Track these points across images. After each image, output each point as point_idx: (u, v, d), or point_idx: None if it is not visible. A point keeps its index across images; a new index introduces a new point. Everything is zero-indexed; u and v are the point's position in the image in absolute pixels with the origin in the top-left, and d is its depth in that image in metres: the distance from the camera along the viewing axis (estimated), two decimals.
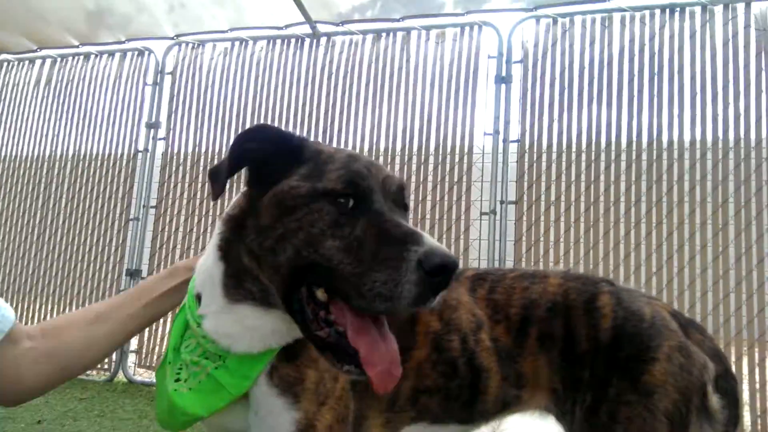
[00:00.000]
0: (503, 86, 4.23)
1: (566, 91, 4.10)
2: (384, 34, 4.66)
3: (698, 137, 3.82)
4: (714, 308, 3.65)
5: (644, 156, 3.90)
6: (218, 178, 1.11)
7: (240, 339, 1.13)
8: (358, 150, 4.49)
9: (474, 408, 1.33)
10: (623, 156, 3.93)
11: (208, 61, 5.01)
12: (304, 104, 4.73)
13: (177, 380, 1.18)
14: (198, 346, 1.17)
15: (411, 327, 1.32)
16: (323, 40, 4.80)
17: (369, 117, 4.57)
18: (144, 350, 4.95)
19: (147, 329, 4.89)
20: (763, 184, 3.66)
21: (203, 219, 4.93)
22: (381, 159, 4.42)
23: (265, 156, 1.10)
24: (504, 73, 4.24)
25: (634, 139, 3.95)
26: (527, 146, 4.12)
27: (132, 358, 5.00)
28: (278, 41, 4.91)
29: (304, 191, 1.02)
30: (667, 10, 3.98)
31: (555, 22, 4.20)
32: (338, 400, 1.15)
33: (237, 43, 5.00)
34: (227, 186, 1.15)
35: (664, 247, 3.80)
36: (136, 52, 5.29)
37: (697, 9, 3.92)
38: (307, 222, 1.00)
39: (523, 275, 1.42)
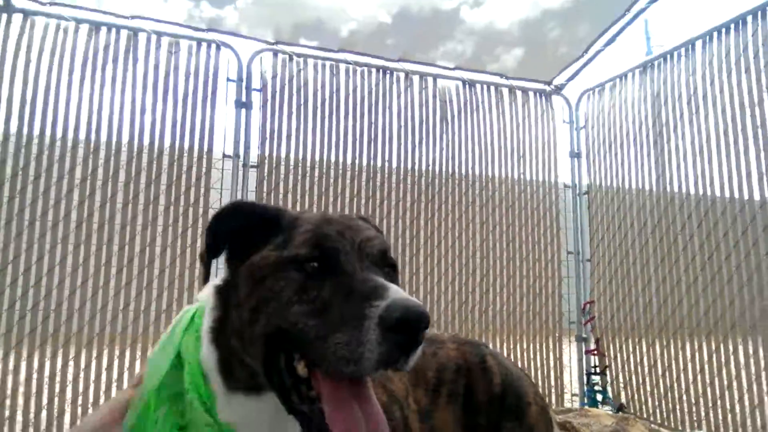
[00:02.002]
0: (243, 111, 4.30)
1: (302, 125, 4.46)
2: (104, 28, 4.11)
3: (402, 176, 4.74)
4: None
5: (363, 188, 4.57)
6: (203, 261, 1.10)
7: None
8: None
9: None
10: (348, 188, 4.52)
11: None
12: None
13: None
14: (175, 418, 1.02)
15: None
16: (17, 17, 3.90)
17: (85, 118, 3.93)
18: None
19: None
20: (448, 213, 4.79)
21: None
22: (100, 170, 3.89)
23: (243, 231, 1.07)
24: (244, 99, 4.31)
25: (356, 173, 4.58)
26: (266, 172, 4.29)
27: None
28: None
29: (272, 260, 1.00)
30: (381, 70, 4.79)
31: (291, 59, 4.52)
32: None
33: None
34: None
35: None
36: None
37: (402, 75, 4.86)
38: (275, 290, 0.97)
39: (426, 340, 1.64)
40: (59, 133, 3.89)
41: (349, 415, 0.92)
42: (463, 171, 4.98)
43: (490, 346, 4.83)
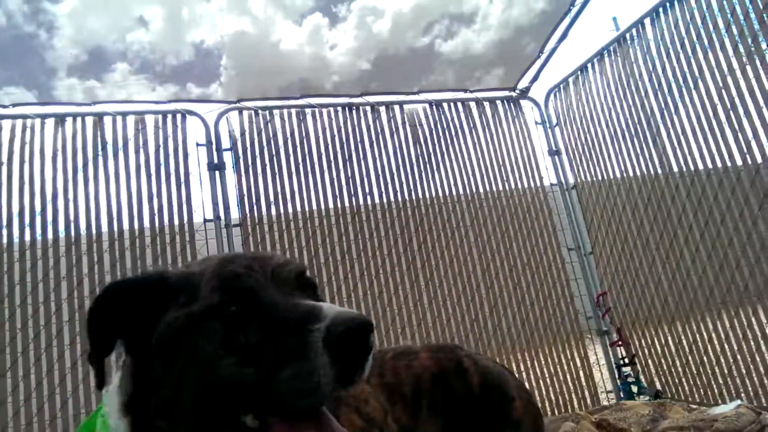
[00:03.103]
0: (217, 172, 4.31)
1: (277, 176, 4.47)
2: (69, 119, 4.16)
3: (386, 207, 4.72)
4: None
5: (350, 228, 4.54)
6: (93, 364, 0.96)
7: None
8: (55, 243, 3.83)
9: None
10: (334, 230, 4.49)
11: None
12: None
13: None
14: None
15: None
16: None
17: (62, 210, 3.94)
18: None
19: None
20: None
21: None
22: (84, 258, 3.87)
23: (132, 312, 0.96)
24: (216, 160, 4.33)
25: (340, 214, 4.56)
26: (250, 229, 4.26)
27: None
28: None
29: (182, 320, 0.90)
30: (347, 108, 4.84)
31: (257, 113, 4.57)
32: None
33: None
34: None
35: (378, 303, 4.46)
36: None
37: (368, 108, 4.91)
38: (196, 352, 0.87)
39: (399, 354, 1.58)
40: (38, 231, 3.88)
41: None
42: (446, 190, 4.96)
43: (512, 358, 4.82)
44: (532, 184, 5.30)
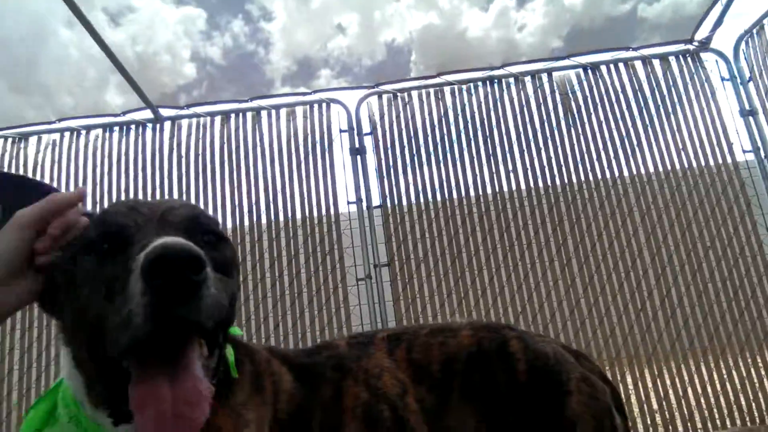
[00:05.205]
0: (359, 157, 4.44)
1: (415, 157, 4.44)
2: (233, 115, 4.64)
3: (532, 186, 4.38)
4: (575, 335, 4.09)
5: (492, 208, 4.32)
6: None
7: None
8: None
9: None
10: (474, 210, 4.32)
11: (33, 156, 4.49)
12: (153, 191, 4.43)
13: None
14: None
15: (336, 403, 1.20)
16: (167, 124, 4.62)
17: (228, 197, 4.43)
18: None
19: None
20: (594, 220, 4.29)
21: None
22: (247, 238, 4.30)
23: None
24: (357, 145, 4.46)
25: (480, 194, 4.37)
26: (390, 210, 4.32)
27: None
28: (116, 128, 4.61)
29: (63, 259, 0.92)
30: (487, 82, 4.59)
31: (395, 96, 4.59)
32: None
33: (67, 134, 4.57)
34: None
35: (524, 287, 4.18)
36: None
37: (512, 80, 4.60)
38: (79, 287, 0.87)
39: (435, 330, 1.40)
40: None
41: (150, 383, 0.78)
42: (605, 164, 4.42)
43: (690, 357, 4.14)
44: (718, 152, 4.47)
